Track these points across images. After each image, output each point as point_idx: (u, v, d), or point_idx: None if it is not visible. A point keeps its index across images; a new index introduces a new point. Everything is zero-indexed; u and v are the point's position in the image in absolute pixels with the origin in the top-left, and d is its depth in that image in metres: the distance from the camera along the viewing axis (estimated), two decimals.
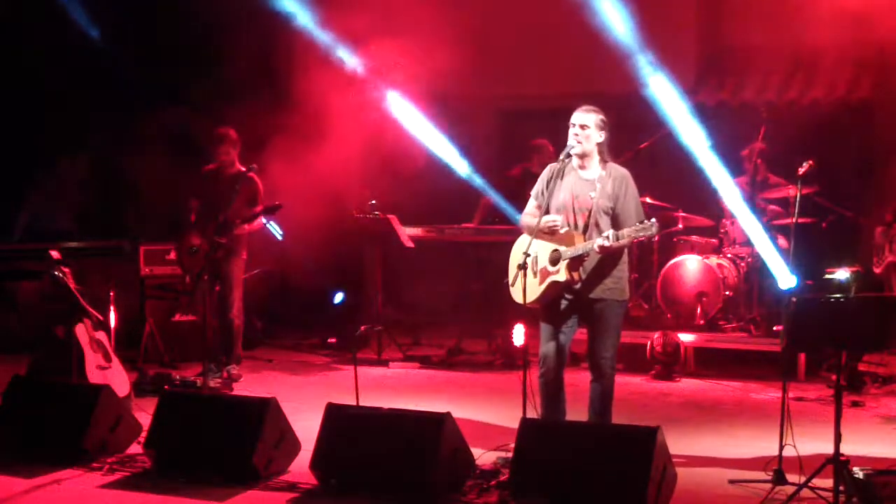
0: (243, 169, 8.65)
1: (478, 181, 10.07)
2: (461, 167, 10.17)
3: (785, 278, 7.69)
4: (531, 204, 6.22)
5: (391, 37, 9.70)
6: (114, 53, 11.27)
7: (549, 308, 6.03)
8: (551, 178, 6.07)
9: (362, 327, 8.69)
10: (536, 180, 9.91)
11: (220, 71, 11.41)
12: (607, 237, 5.71)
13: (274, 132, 10.18)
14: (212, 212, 8.58)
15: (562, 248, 5.90)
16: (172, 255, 9.43)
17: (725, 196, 9.50)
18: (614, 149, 6.19)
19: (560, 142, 6.18)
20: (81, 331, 7.48)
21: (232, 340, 8.78)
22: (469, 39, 9.91)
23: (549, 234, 5.99)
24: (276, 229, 9.52)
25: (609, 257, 5.89)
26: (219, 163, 8.83)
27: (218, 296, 8.58)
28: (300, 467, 5.95)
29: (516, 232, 6.33)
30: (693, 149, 9.20)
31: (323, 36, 10.27)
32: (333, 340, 10.42)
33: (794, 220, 6.58)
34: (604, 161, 6.04)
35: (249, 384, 8.62)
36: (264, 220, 8.81)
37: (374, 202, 9.55)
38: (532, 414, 5.91)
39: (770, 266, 8.88)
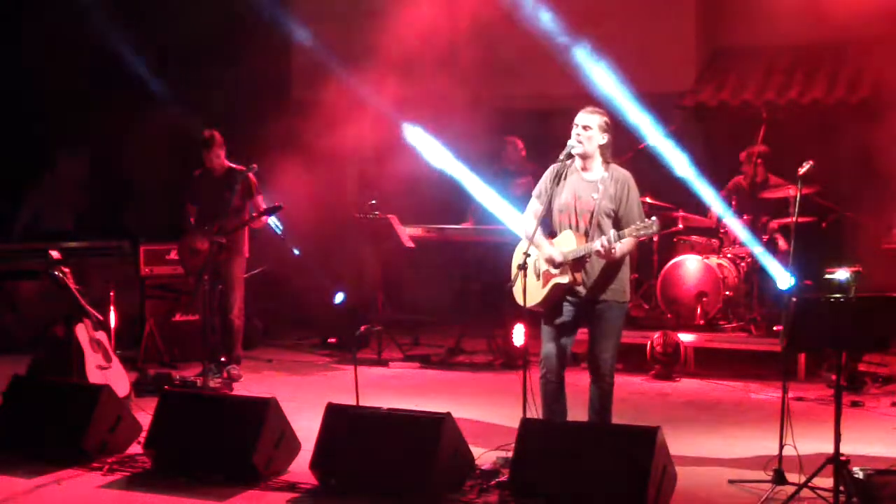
0: (235, 167, 8.67)
1: (473, 183, 10.02)
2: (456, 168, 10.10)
3: (784, 278, 7.70)
4: (533, 204, 6.20)
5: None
6: (114, 53, 11.27)
7: (551, 310, 6.02)
8: (553, 178, 6.06)
9: (362, 327, 8.68)
10: (507, 175, 9.94)
11: (221, 71, 11.41)
12: (608, 238, 5.70)
13: (275, 132, 10.18)
14: (209, 212, 8.59)
15: (563, 250, 5.90)
16: (172, 255, 9.44)
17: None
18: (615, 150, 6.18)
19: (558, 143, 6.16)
20: (81, 331, 7.48)
21: (232, 340, 8.79)
22: (468, 38, 9.92)
23: (549, 237, 6.00)
24: (276, 224, 9.56)
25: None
26: (208, 165, 8.84)
27: (219, 295, 8.59)
28: (300, 467, 5.96)
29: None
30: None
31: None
32: (333, 340, 10.41)
33: (793, 219, 6.57)
34: (606, 163, 6.02)
35: (249, 384, 8.61)
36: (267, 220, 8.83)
37: (374, 202, 9.54)
38: (532, 414, 5.91)
39: (768, 267, 8.90)
